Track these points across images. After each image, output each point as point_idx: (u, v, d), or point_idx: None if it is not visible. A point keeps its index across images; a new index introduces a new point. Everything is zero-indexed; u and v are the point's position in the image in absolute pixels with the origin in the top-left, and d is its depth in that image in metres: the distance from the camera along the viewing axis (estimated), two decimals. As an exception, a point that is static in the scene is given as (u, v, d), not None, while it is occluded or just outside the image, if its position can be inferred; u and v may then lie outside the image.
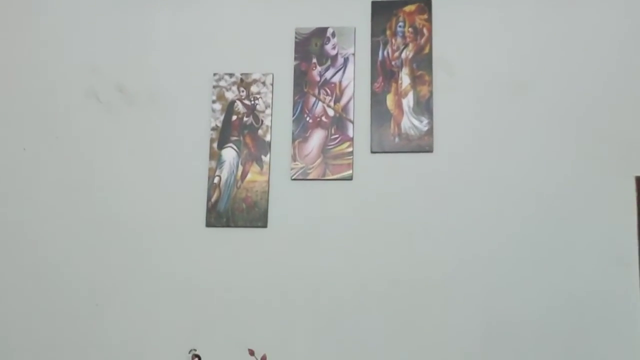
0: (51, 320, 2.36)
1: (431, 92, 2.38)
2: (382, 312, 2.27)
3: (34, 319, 2.34)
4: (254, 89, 2.44)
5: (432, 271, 2.28)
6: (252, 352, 2.30)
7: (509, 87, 2.37)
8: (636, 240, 2.25)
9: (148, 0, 2.54)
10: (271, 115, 2.43)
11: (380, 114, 2.39)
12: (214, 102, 2.45)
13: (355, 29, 2.45)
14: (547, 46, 2.37)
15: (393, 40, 2.42)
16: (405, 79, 2.40)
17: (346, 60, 2.43)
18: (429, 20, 2.43)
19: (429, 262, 2.29)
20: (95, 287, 2.38)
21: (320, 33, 2.45)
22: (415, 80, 2.40)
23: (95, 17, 2.54)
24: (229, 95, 2.44)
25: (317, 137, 2.39)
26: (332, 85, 2.42)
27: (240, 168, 2.39)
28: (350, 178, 2.36)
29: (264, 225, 2.36)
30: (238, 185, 2.38)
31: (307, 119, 2.40)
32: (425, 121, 2.36)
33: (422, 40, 2.42)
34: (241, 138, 2.41)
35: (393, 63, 2.41)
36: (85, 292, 2.38)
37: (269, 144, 2.40)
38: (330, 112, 2.40)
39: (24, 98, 2.51)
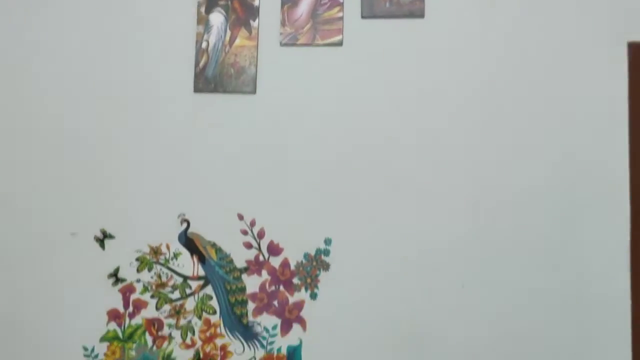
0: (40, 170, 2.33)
1: (424, -44, 2.33)
2: (373, 172, 2.27)
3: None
4: (242, -49, 2.37)
5: (423, 130, 2.27)
6: (241, 217, 2.30)
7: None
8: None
9: None
10: (260, -21, 2.36)
11: (371, -22, 2.34)
12: (201, -35, 2.38)
13: None
14: None
15: None
16: (396, -58, 2.34)
17: None
18: None
19: (420, 121, 2.28)
20: (82, 150, 2.35)
21: None
22: (405, -57, 2.34)
23: None
24: (217, -41, 2.38)
25: (306, 2, 2.35)
26: (324, -52, 2.36)
27: (229, 33, 2.35)
28: (340, 44, 2.33)
29: (253, 92, 2.33)
30: (226, 50, 2.35)
31: (297, -18, 2.35)
32: (417, -14, 2.32)
33: None
34: (229, 2, 2.37)
35: None
36: (72, 153, 2.35)
37: (258, 8, 2.35)
38: (321, -24, 2.35)
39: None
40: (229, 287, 2.28)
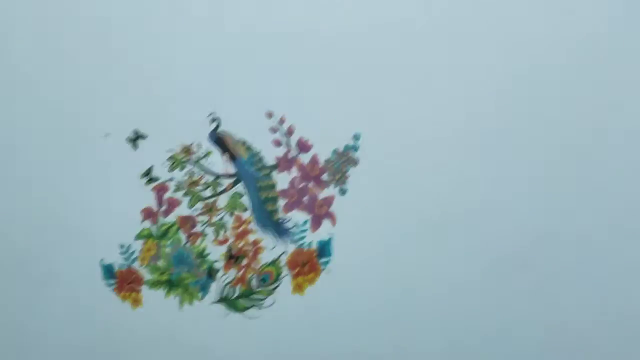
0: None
1: None
2: (403, 66, 2.28)
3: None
4: None
5: (450, 29, 2.25)
6: (270, 115, 2.31)
7: None
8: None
9: None
10: None
11: None
12: None
13: None
14: None
15: None
16: None
17: None
18: None
19: (446, 22, 2.25)
20: (113, 47, 2.36)
21: None
22: None
23: None
24: None
25: None
26: None
27: None
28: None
29: (281, -12, 2.31)
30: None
31: None
32: None
33: None
34: None
35: None
36: (98, 57, 2.37)
37: None
38: None
39: None
40: (259, 184, 2.31)
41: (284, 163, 2.31)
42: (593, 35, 2.20)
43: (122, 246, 2.35)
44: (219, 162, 2.33)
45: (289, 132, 2.30)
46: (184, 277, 2.34)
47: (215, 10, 2.34)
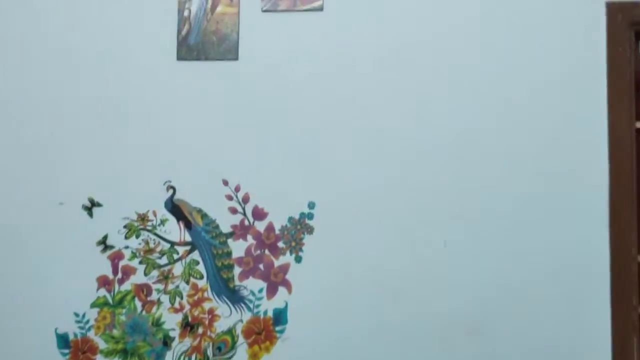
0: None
1: None
2: (356, 135, 2.31)
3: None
4: None
5: (404, 90, 2.30)
6: (226, 182, 2.33)
7: None
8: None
9: None
10: (240, -55, 2.37)
11: (351, -58, 2.34)
12: None
13: None
14: None
15: None
16: None
17: None
18: None
19: (401, 81, 2.30)
20: (68, 120, 2.38)
21: None
22: None
23: None
24: None
25: (287, -32, 2.35)
26: None
27: (210, 1, 2.36)
28: (320, 9, 2.34)
29: (235, 58, 2.35)
30: (208, 17, 2.36)
31: (277, -52, 2.36)
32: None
33: None
34: (211, -31, 2.37)
35: None
36: (58, 123, 2.38)
37: (245, -26, 2.36)
38: (300, -59, 2.36)
39: None
40: (215, 252, 2.32)
41: (240, 231, 2.32)
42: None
43: (77, 314, 2.34)
44: (174, 230, 2.34)
45: (245, 200, 2.32)
46: (139, 345, 2.32)
47: (170, 79, 2.36)
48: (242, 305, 2.30)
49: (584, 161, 2.24)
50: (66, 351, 2.35)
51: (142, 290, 2.34)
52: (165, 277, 2.33)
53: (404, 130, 2.29)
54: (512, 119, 2.25)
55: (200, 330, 2.31)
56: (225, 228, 2.33)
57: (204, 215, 2.32)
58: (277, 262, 2.31)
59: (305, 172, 2.30)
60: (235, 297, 2.31)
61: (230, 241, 2.32)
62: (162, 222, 2.34)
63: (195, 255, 2.33)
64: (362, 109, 2.30)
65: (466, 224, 2.23)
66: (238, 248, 2.33)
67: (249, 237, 2.31)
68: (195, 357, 2.32)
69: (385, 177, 2.28)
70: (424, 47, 2.29)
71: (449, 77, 2.27)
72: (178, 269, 2.34)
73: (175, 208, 2.33)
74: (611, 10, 2.27)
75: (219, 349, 2.31)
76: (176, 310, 2.33)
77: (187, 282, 2.33)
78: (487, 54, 2.26)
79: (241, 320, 2.31)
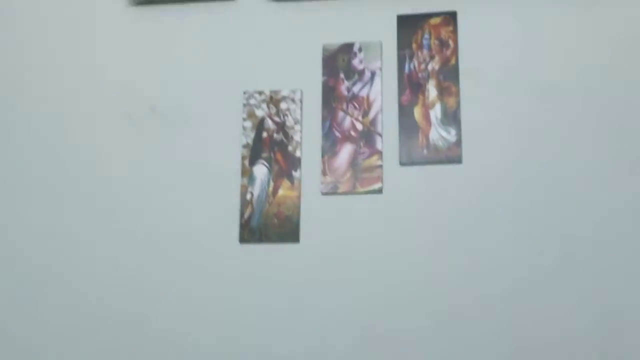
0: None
1: (458, 103, 2.39)
2: (413, 326, 2.29)
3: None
4: (283, 105, 2.48)
5: (459, 281, 2.28)
6: (287, 366, 2.33)
7: (536, 93, 2.37)
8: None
9: (177, 19, 2.58)
10: (301, 131, 2.46)
11: (408, 126, 2.41)
12: (244, 120, 2.50)
13: (381, 43, 2.48)
14: (572, 49, 2.36)
15: (419, 53, 2.44)
16: (432, 90, 2.42)
17: (373, 74, 2.46)
18: (455, 32, 2.44)
19: (457, 273, 2.29)
20: (135, 305, 2.43)
21: (347, 48, 2.49)
22: (443, 91, 2.41)
23: (127, 36, 2.61)
24: (259, 113, 2.49)
25: (346, 151, 2.42)
26: (360, 99, 2.45)
27: (272, 184, 2.44)
28: (380, 191, 2.38)
29: (296, 240, 2.39)
30: (270, 200, 2.43)
31: (336, 133, 2.44)
32: (453, 132, 2.38)
33: (448, 52, 2.43)
34: (272, 154, 2.46)
35: (420, 75, 2.43)
36: (122, 309, 2.43)
37: (299, 159, 2.44)
38: (359, 126, 2.43)
39: (59, 121, 2.58)
40: None
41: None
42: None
43: None
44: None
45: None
46: None
47: (236, 265, 2.41)
48: None
49: None
50: None
51: None
52: None
53: (450, 315, 2.26)
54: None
55: None
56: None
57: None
58: None
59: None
60: None
61: None
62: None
63: None
64: (416, 292, 2.29)
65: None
66: None
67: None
68: None
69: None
70: (481, 234, 2.28)
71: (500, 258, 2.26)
72: None
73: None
74: None
75: None
76: None
77: None
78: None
79: None
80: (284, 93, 2.48)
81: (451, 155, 2.36)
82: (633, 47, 2.33)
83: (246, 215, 2.42)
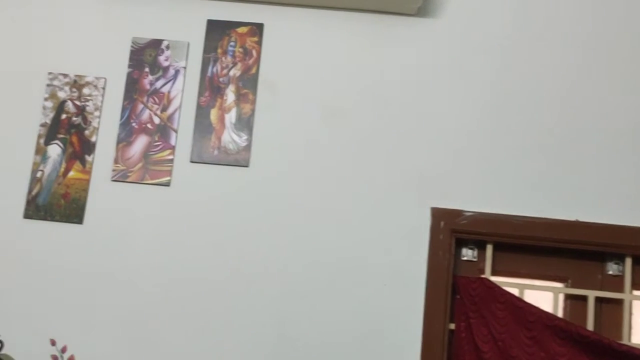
0: None
1: (253, 110, 2.51)
2: (189, 312, 2.40)
3: None
4: (86, 90, 2.54)
5: (238, 272, 2.42)
6: (53, 342, 2.38)
7: (326, 112, 2.51)
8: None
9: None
10: (99, 117, 2.52)
11: (203, 126, 2.51)
12: (45, 99, 2.54)
13: (189, 43, 2.57)
14: (364, 77, 2.52)
15: (223, 58, 2.55)
16: (230, 95, 2.53)
17: (177, 72, 2.55)
18: (259, 43, 2.56)
19: (236, 264, 2.43)
20: None
21: (156, 44, 2.57)
22: (240, 97, 2.53)
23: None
24: (61, 95, 2.54)
25: (140, 142, 2.50)
26: (161, 94, 2.54)
27: (64, 165, 2.49)
28: (168, 184, 2.47)
29: (80, 222, 2.45)
30: (59, 181, 2.48)
31: (133, 124, 2.52)
32: (245, 137, 2.49)
33: (251, 61, 2.55)
34: (68, 136, 2.51)
35: (221, 80, 2.54)
36: None
37: (94, 144, 2.50)
38: (157, 120, 2.52)
39: None
40: (31, 412, 2.33)
41: (59, 392, 2.35)
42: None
43: None
44: (-5, 386, 2.36)
45: (69, 361, 2.36)
46: None
47: (15, 237, 2.45)
48: None
49: (396, 357, 2.33)
50: None
51: None
52: None
53: (234, 312, 2.37)
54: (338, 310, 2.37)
55: None
56: (46, 388, 2.36)
57: (26, 374, 2.35)
58: None
59: (129, 342, 2.37)
60: None
61: (47, 402, 2.34)
62: (-16, 377, 2.36)
63: (11, 414, 2.35)
64: (199, 280, 2.40)
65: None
66: (54, 411, 2.35)
67: (67, 400, 2.34)
68: None
69: (209, 356, 2.35)
70: (261, 231, 2.41)
71: (288, 262, 2.39)
72: None
73: (-1, 362, 2.36)
74: (434, 215, 2.43)
75: None
76: None
77: None
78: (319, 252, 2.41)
79: None
80: (89, 79, 2.55)
81: (239, 159, 2.48)
82: (418, 84, 2.51)
83: (34, 192, 2.46)
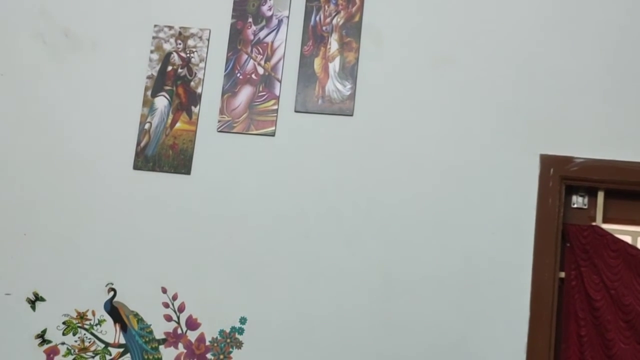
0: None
1: (357, 59, 2.50)
2: (292, 257, 2.42)
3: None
4: (190, 42, 2.56)
5: (342, 218, 2.42)
6: (164, 290, 2.43)
7: (432, 60, 2.48)
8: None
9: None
10: (205, 69, 2.54)
11: (306, 75, 2.51)
12: (152, 52, 2.57)
13: (291, -8, 2.56)
14: (473, 24, 2.47)
15: (326, 7, 2.54)
16: (334, 44, 2.51)
17: (280, 22, 2.55)
18: (362, -10, 2.53)
19: (340, 213, 2.42)
20: (20, 214, 2.50)
21: (259, -6, 2.57)
22: (344, 46, 2.51)
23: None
24: (167, 47, 2.57)
25: (245, 93, 2.51)
26: (265, 44, 2.54)
27: (171, 116, 2.52)
28: (272, 134, 2.48)
29: (188, 173, 2.48)
30: (167, 132, 2.51)
31: (238, 75, 2.53)
32: (349, 86, 2.48)
33: (354, 9, 2.53)
34: (174, 88, 2.54)
35: (324, 28, 2.52)
36: (9, 224, 2.50)
37: (200, 95, 2.52)
38: (260, 71, 2.53)
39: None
40: (146, 357, 2.39)
41: (172, 338, 2.40)
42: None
43: (5, 405, 2.41)
44: (110, 331, 2.43)
45: (180, 309, 2.41)
46: None
47: (125, 187, 2.50)
48: (166, 411, 2.36)
49: (505, 305, 2.31)
50: None
51: (72, 386, 2.40)
52: (95, 377, 2.41)
53: (338, 255, 2.38)
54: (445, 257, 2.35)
55: None
56: (159, 334, 2.41)
57: (140, 320, 2.41)
58: (204, 373, 2.38)
59: (240, 287, 2.40)
60: (160, 403, 2.37)
61: (162, 348, 2.40)
62: (100, 322, 2.43)
63: (127, 358, 2.41)
64: (299, 233, 2.41)
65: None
66: (169, 355, 2.41)
67: (180, 346, 2.40)
68: None
69: (317, 302, 2.37)
70: (364, 181, 2.42)
71: (387, 214, 2.39)
72: (109, 369, 2.41)
73: (113, 310, 2.42)
74: (543, 162, 2.38)
75: None
76: (102, 410, 2.40)
77: (116, 384, 2.40)
78: (424, 196, 2.39)
79: None
80: (193, 31, 2.56)
81: (344, 108, 2.46)
82: (530, 30, 2.45)
83: (142, 144, 2.50)
